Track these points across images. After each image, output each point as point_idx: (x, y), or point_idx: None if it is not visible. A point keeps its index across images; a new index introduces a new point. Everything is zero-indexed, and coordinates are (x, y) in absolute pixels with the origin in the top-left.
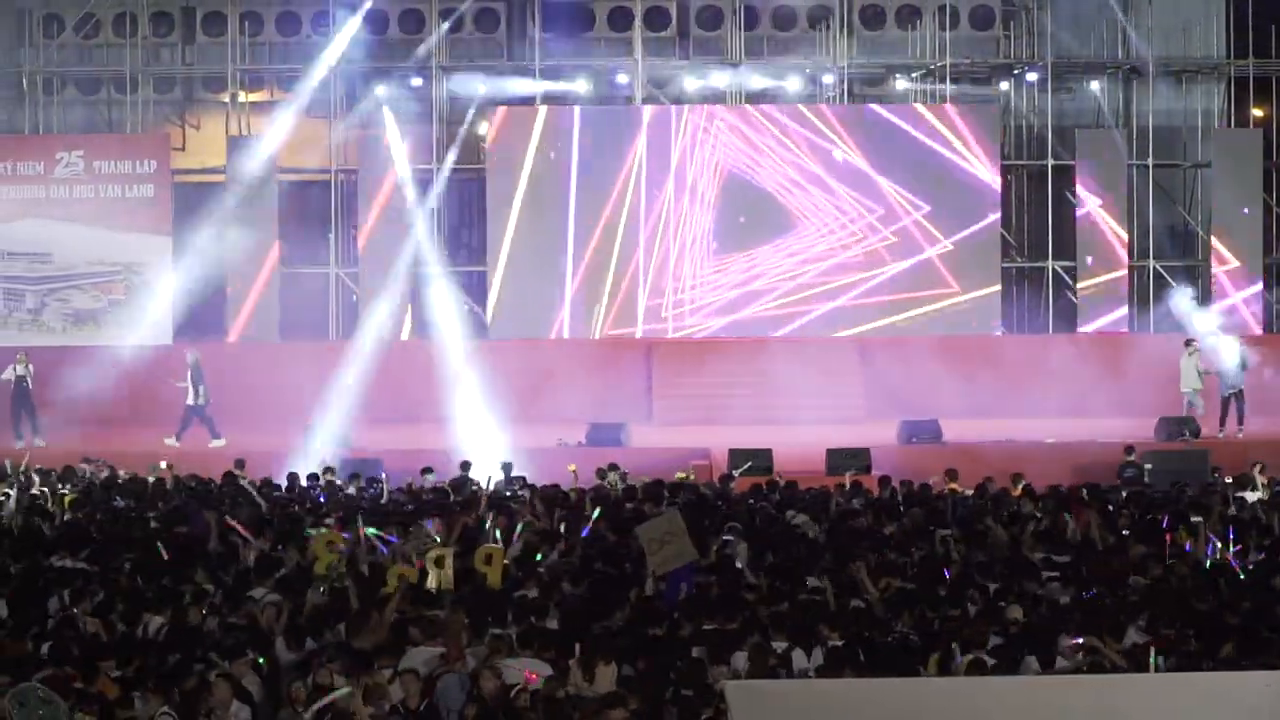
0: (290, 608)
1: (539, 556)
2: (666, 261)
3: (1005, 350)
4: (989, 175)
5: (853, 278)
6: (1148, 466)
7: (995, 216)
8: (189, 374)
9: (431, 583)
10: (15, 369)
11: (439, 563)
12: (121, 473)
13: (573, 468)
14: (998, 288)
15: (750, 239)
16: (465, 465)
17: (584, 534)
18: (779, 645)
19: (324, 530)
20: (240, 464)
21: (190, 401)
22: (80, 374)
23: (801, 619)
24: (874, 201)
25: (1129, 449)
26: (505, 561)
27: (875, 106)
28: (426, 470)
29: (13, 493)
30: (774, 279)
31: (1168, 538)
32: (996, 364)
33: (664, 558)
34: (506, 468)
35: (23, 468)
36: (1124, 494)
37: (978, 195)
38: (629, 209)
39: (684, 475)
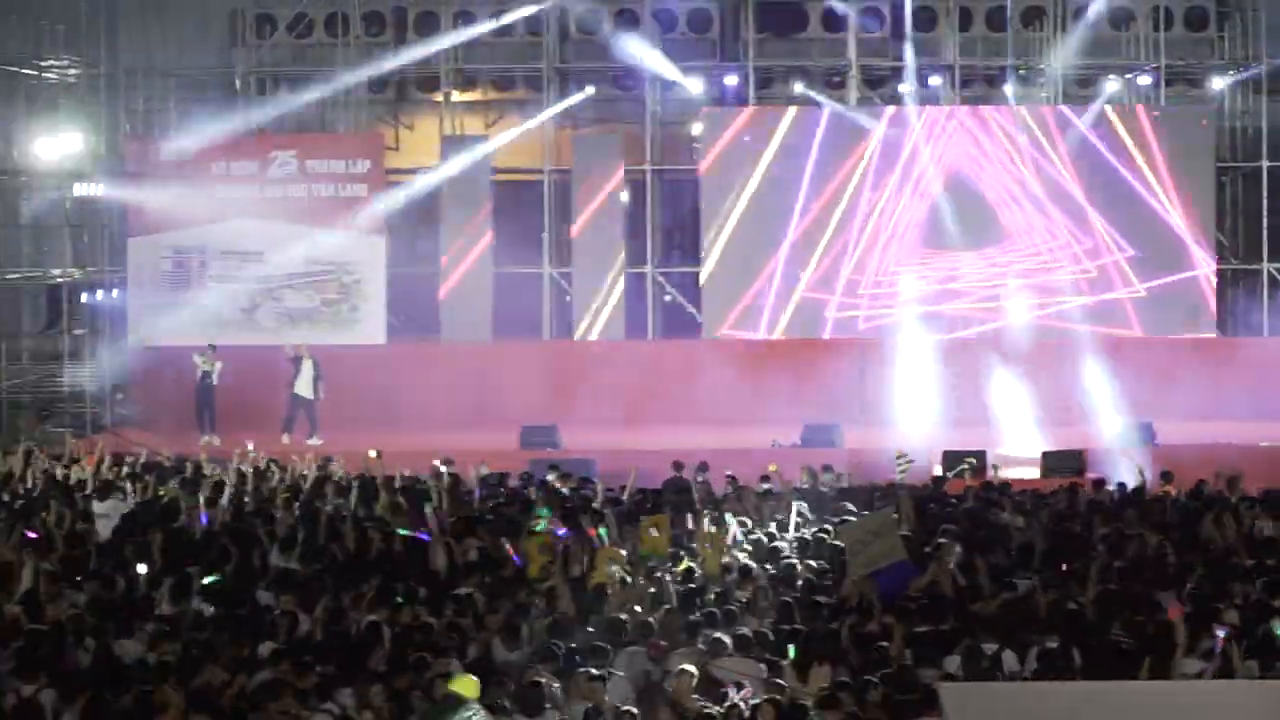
0: (507, 608)
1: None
2: (878, 262)
3: (1219, 352)
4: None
5: (1052, 301)
6: None
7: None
8: (309, 369)
9: (644, 548)
10: (201, 365)
11: (659, 526)
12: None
13: (774, 468)
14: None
15: (958, 243)
16: (677, 465)
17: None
18: (989, 647)
19: (537, 533)
20: (449, 462)
21: (309, 396)
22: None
23: (1013, 621)
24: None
25: None
26: (725, 559)
27: (1076, 120)
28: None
29: (228, 489)
30: (972, 283)
31: None
32: (1211, 366)
33: (868, 558)
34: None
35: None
36: None
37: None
38: (843, 208)
39: (901, 457)
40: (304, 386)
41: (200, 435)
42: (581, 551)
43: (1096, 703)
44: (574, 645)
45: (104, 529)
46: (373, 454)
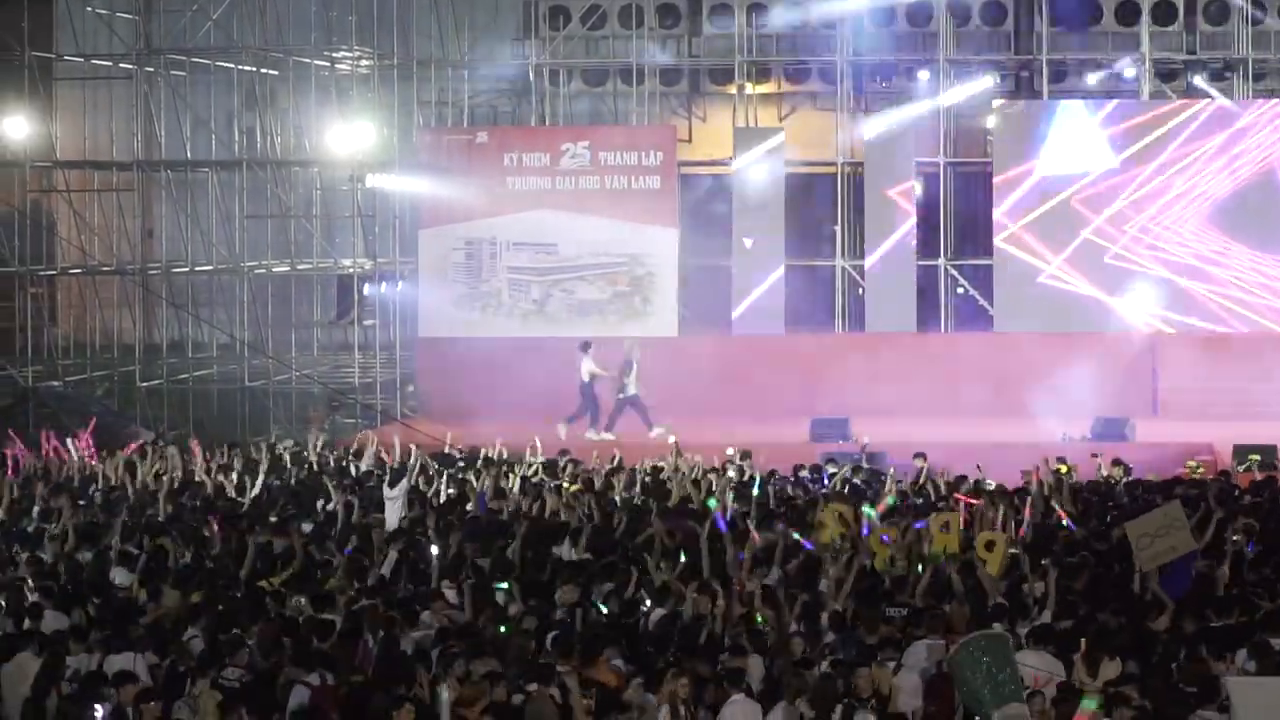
0: (804, 599)
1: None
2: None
3: None
4: None
5: None
6: None
7: None
8: (630, 366)
9: (935, 546)
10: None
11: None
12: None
13: (1064, 467)
14: None
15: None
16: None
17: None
18: (1277, 642)
19: (834, 505)
20: (746, 455)
21: (627, 393)
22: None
23: None
24: None
25: None
26: (1013, 551)
27: None
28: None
29: (516, 481)
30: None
31: None
32: None
33: (1155, 552)
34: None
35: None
36: None
37: None
38: (1138, 201)
39: (1194, 465)
40: (633, 385)
41: (589, 431)
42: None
43: None
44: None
45: (392, 514)
46: (671, 439)
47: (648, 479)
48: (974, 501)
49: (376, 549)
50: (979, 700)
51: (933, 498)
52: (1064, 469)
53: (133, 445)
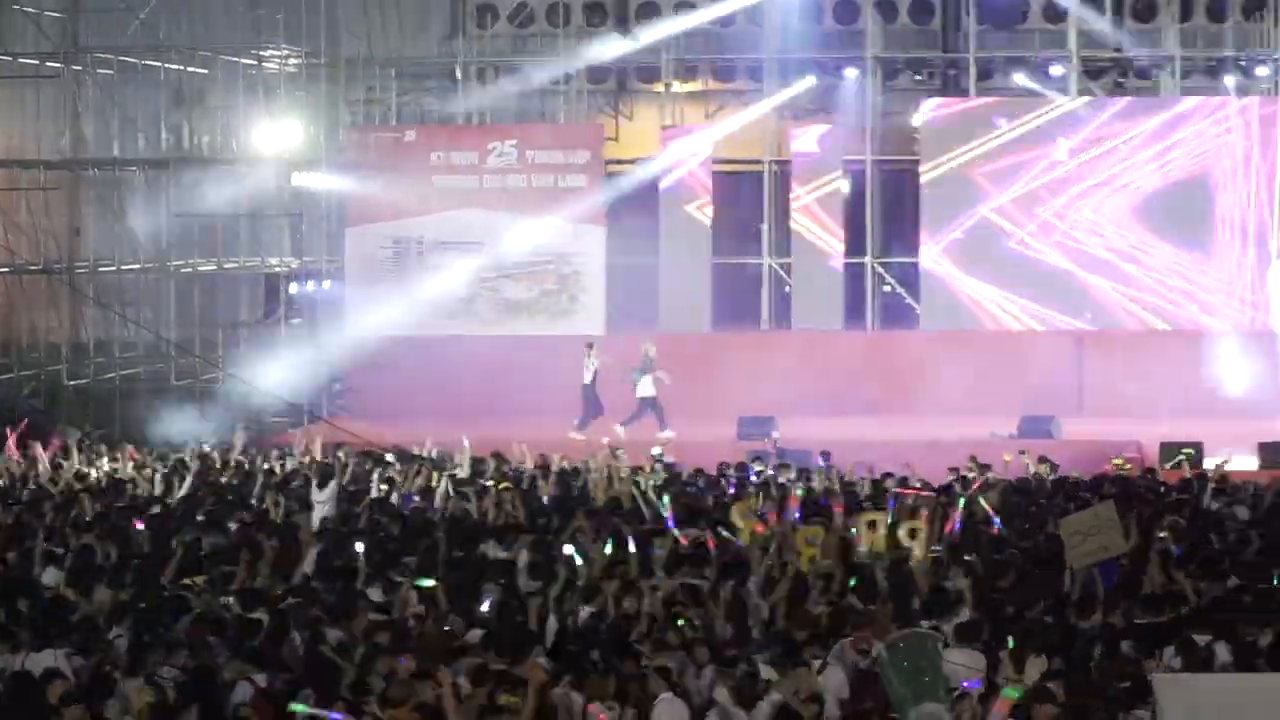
0: (727, 597)
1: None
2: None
3: None
4: None
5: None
6: None
7: None
8: (646, 365)
9: (864, 545)
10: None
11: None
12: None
13: (1008, 458)
14: None
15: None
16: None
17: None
18: (1204, 639)
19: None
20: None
21: (645, 394)
22: (510, 363)
23: (1228, 613)
24: None
25: None
26: (935, 548)
27: None
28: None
29: (444, 480)
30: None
31: None
32: None
33: (1086, 550)
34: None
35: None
36: None
37: None
38: (1069, 201)
39: (1119, 462)
40: (646, 387)
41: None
42: (790, 540)
43: None
44: (791, 636)
45: (319, 516)
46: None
47: (571, 479)
48: (908, 492)
49: (303, 548)
50: (900, 699)
51: (860, 496)
52: (1007, 458)
53: (55, 444)
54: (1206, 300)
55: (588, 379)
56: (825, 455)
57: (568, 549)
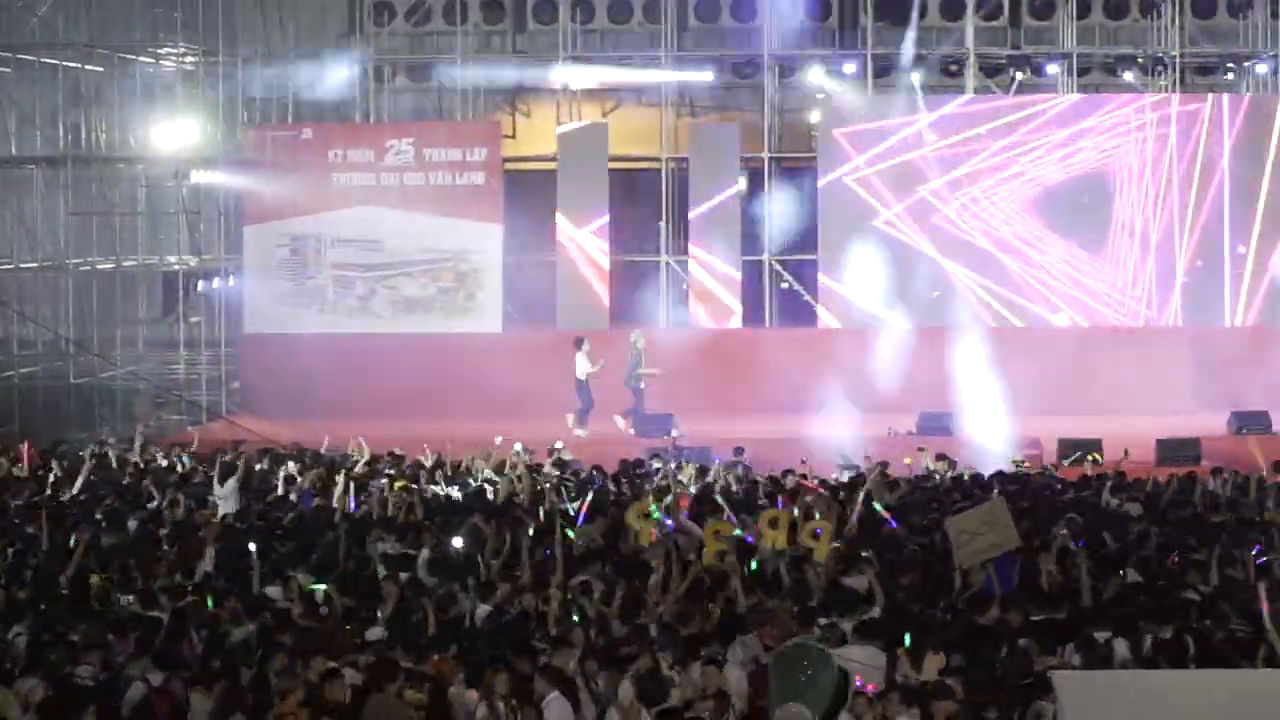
0: (624, 593)
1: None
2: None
3: None
4: None
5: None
6: None
7: None
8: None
9: (764, 542)
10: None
11: (774, 524)
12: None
13: (909, 460)
14: None
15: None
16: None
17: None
18: (1102, 635)
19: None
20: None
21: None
22: (407, 361)
23: (1126, 609)
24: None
25: None
26: (835, 545)
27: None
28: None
29: (341, 479)
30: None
31: None
32: None
33: (976, 549)
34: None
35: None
36: None
37: None
38: (975, 195)
39: (1018, 459)
40: (583, 369)
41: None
42: (691, 541)
43: (1208, 691)
44: (692, 632)
45: (222, 512)
46: (498, 440)
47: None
48: (808, 489)
49: (203, 546)
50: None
51: (760, 493)
52: (908, 460)
53: None
54: (1105, 296)
55: (581, 375)
56: (739, 451)
57: (457, 542)
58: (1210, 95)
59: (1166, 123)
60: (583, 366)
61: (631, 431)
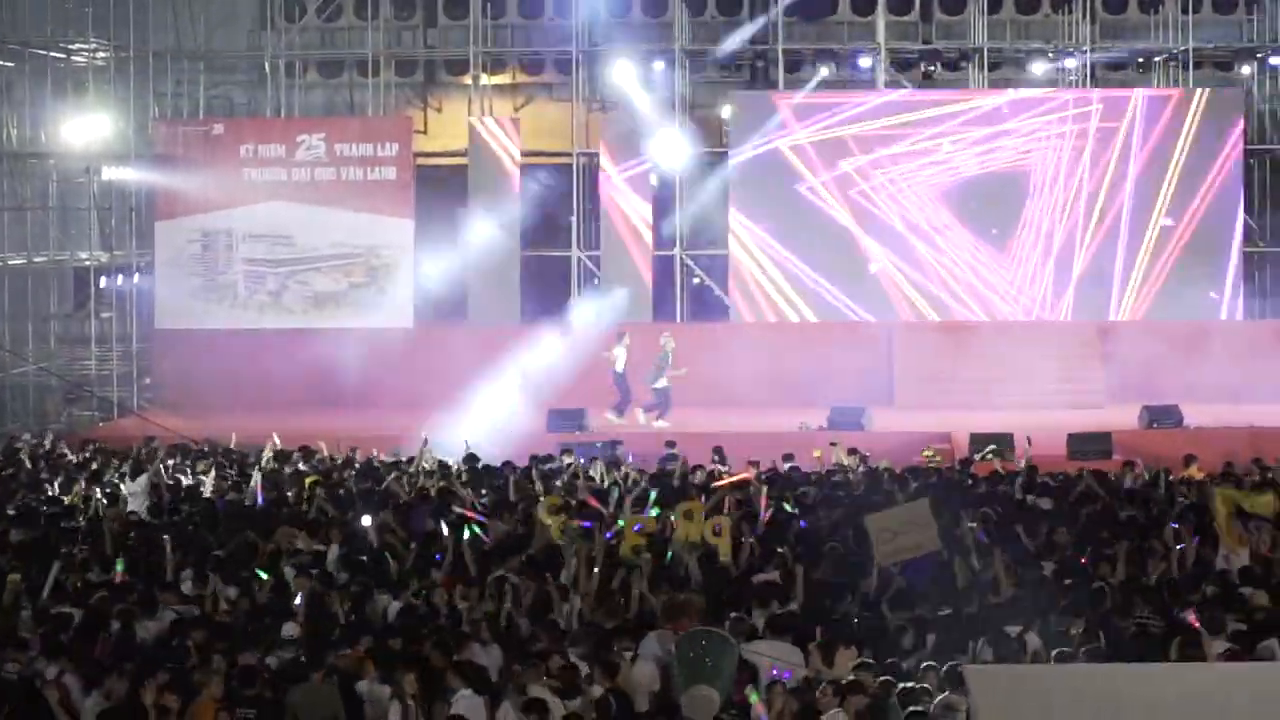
0: (536, 589)
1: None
2: (903, 246)
3: (1247, 334)
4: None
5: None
6: None
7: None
8: (665, 357)
9: (678, 534)
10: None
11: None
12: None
13: (818, 454)
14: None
15: (980, 227)
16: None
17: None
18: (1014, 629)
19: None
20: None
21: (659, 385)
22: (319, 356)
23: (1038, 603)
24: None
25: None
26: (750, 540)
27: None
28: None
29: (255, 474)
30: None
31: None
32: (1238, 349)
33: (897, 548)
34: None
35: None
36: None
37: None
38: (875, 191)
39: (929, 453)
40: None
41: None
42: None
43: (1121, 685)
44: (604, 627)
45: (134, 507)
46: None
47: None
48: (718, 484)
49: (112, 541)
50: (680, 685)
51: (675, 485)
52: (817, 453)
53: None
54: (1006, 293)
55: (619, 367)
56: (670, 444)
57: (370, 532)
58: (1132, 98)
59: (1085, 130)
60: (621, 359)
61: (657, 424)
